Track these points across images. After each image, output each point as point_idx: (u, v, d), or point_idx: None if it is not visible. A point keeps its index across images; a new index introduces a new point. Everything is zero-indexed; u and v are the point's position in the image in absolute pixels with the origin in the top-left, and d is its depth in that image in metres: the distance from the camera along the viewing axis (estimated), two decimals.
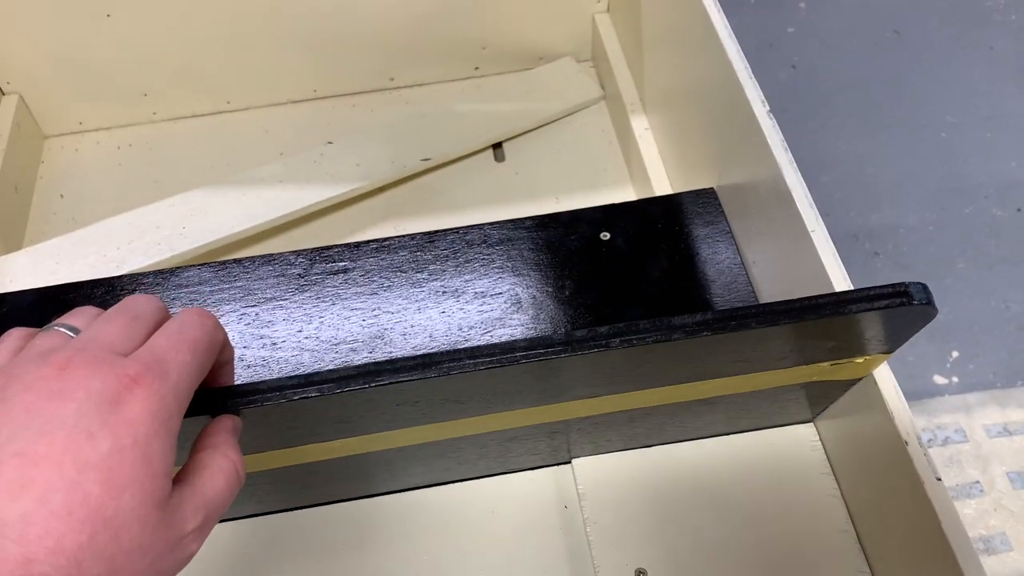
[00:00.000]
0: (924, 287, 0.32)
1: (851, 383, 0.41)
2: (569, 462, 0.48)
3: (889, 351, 0.37)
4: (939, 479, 0.37)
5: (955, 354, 1.16)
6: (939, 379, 1.15)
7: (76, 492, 0.24)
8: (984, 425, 1.11)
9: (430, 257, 0.55)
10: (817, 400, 0.44)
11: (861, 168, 1.36)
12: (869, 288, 0.32)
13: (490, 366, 0.31)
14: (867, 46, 1.51)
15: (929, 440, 1.10)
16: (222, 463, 0.30)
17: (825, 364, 0.38)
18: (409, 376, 0.31)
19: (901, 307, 0.32)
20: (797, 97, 1.46)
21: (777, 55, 1.51)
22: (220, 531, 0.50)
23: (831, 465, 0.47)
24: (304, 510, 0.50)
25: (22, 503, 0.24)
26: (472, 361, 0.31)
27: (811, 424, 0.48)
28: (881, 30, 1.54)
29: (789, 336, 0.33)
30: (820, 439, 0.47)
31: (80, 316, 0.31)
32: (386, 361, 0.31)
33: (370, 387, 0.31)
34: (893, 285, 0.32)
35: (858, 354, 0.37)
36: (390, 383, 0.31)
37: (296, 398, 0.31)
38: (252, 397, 0.31)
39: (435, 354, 0.31)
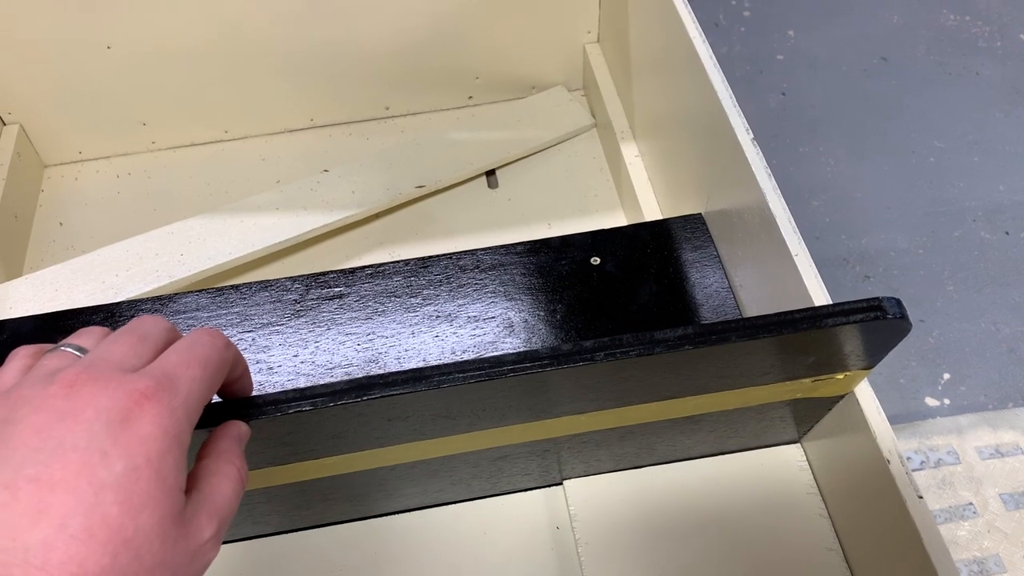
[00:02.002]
0: (897, 301, 0.33)
1: (834, 400, 0.42)
2: (561, 483, 0.49)
3: (868, 367, 0.38)
4: (920, 497, 0.38)
5: (946, 376, 1.17)
6: (931, 401, 1.16)
7: (95, 514, 0.24)
8: (976, 447, 1.12)
9: (424, 282, 0.56)
10: (802, 419, 0.44)
11: (851, 193, 1.37)
12: (844, 303, 0.33)
13: (479, 379, 0.32)
14: (855, 73, 1.53)
15: (922, 462, 1.11)
16: (228, 470, 0.30)
17: (807, 380, 0.38)
18: (400, 389, 0.32)
19: (875, 320, 0.33)
20: (787, 123, 1.48)
21: (767, 82, 1.54)
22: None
23: (818, 485, 0.47)
24: (298, 533, 0.50)
25: (42, 529, 0.24)
26: (462, 374, 0.32)
27: (798, 445, 0.49)
28: (869, 57, 1.57)
29: (769, 350, 0.34)
30: (807, 459, 0.48)
31: (88, 336, 0.31)
32: (378, 375, 0.32)
33: (363, 400, 0.32)
34: (867, 300, 0.33)
35: (838, 370, 0.38)
36: (382, 396, 0.32)
37: (291, 411, 0.32)
38: (248, 411, 0.32)
39: (425, 368, 0.32)
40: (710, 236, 0.57)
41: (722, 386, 0.38)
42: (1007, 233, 1.31)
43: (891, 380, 1.17)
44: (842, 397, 0.41)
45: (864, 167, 1.42)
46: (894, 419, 1.13)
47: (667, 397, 0.38)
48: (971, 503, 1.08)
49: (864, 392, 0.40)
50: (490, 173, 0.78)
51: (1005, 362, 1.19)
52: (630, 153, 0.72)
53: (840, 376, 0.38)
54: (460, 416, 0.35)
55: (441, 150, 0.78)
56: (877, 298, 0.33)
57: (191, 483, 0.29)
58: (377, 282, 0.56)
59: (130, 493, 0.25)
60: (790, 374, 0.38)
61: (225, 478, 0.30)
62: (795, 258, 0.45)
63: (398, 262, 0.57)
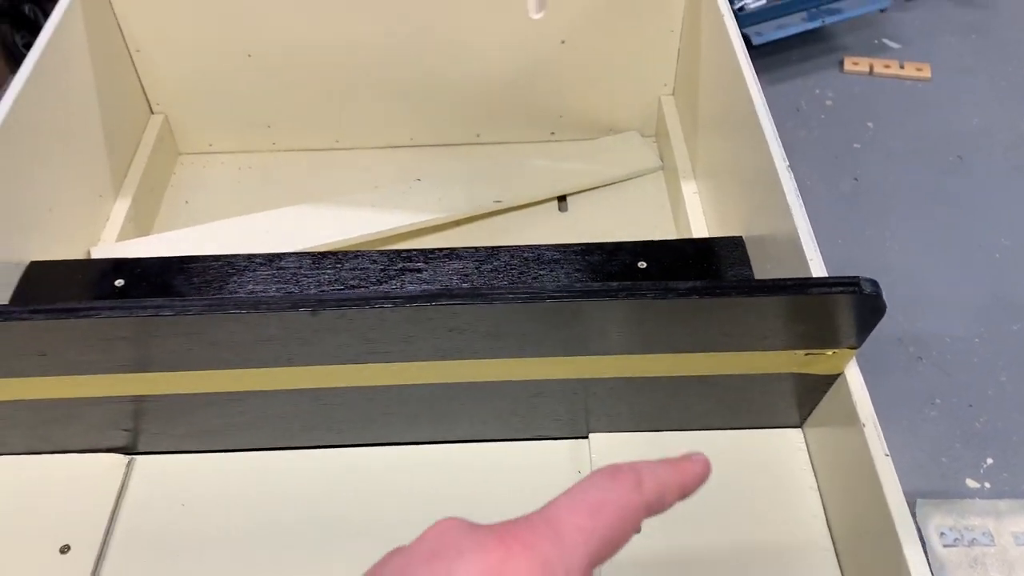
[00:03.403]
0: (873, 282, 0.40)
1: (828, 381, 0.48)
2: (587, 437, 0.56)
3: (854, 347, 0.44)
4: (886, 454, 0.43)
5: (990, 461, 1.19)
6: (971, 483, 1.17)
7: None
8: (1013, 532, 1.13)
9: (490, 267, 0.64)
10: (802, 400, 0.51)
11: (911, 277, 1.41)
12: (828, 277, 0.40)
13: (524, 300, 0.40)
14: (930, 167, 1.58)
15: (955, 539, 1.12)
16: None
17: (800, 353, 0.45)
18: (461, 301, 0.40)
19: (853, 295, 0.39)
20: (856, 207, 1.53)
21: (841, 167, 1.60)
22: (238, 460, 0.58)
23: (812, 466, 0.53)
24: (340, 449, 0.57)
25: None
26: (512, 295, 0.40)
27: (799, 429, 0.55)
28: (945, 154, 1.61)
29: (764, 310, 0.41)
30: (806, 443, 0.54)
31: None
32: (446, 289, 0.40)
33: (432, 304, 0.40)
34: (848, 276, 0.40)
35: (827, 345, 0.44)
36: (448, 304, 0.40)
37: (376, 307, 0.40)
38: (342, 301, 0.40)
39: (483, 288, 0.40)
40: (747, 256, 0.64)
41: (727, 345, 0.45)
42: None
43: (933, 458, 1.20)
44: (835, 378, 0.48)
45: (928, 255, 1.45)
46: (931, 494, 1.15)
47: (679, 350, 0.45)
48: None
49: (854, 377, 0.47)
50: (561, 199, 0.87)
51: None
52: (689, 190, 0.81)
53: (829, 353, 0.45)
54: (507, 338, 0.43)
55: (520, 173, 0.87)
56: (856, 276, 0.40)
57: None
58: (452, 262, 0.65)
59: None
60: (785, 342, 0.44)
61: None
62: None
63: (471, 248, 0.66)
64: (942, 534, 1.20)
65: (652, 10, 0.83)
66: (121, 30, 0.84)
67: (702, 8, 0.76)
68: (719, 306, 0.41)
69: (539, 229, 0.84)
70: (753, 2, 1.65)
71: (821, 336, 0.44)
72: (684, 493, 0.29)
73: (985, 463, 1.21)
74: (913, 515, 1.15)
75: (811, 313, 0.42)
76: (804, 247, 0.50)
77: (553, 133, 0.94)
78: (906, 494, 1.19)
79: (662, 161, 0.90)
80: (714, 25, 0.72)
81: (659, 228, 0.84)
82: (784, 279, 0.40)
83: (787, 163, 0.59)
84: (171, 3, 0.82)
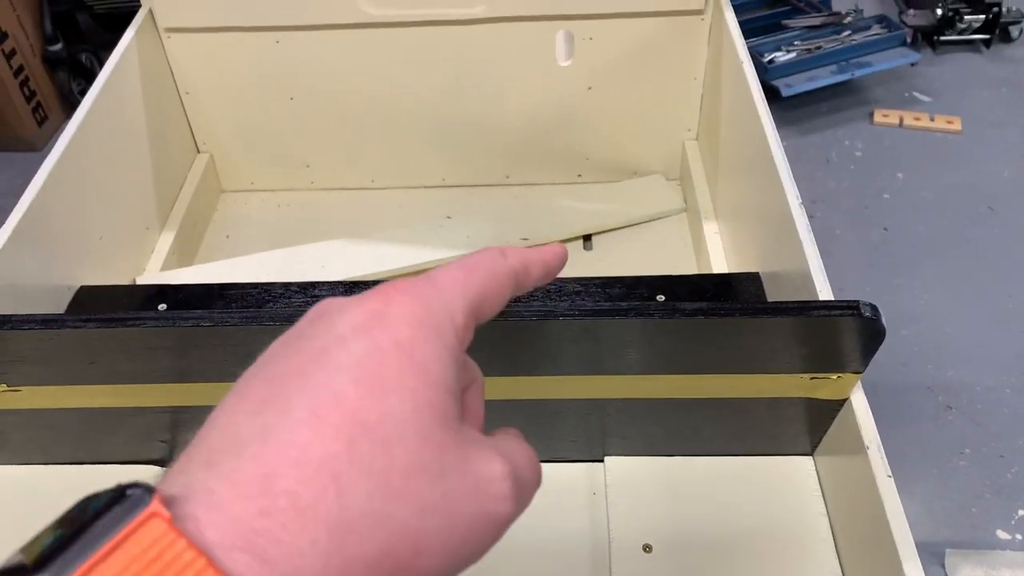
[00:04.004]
0: (873, 306, 0.42)
1: (835, 407, 0.49)
2: (602, 460, 0.57)
3: (857, 371, 0.46)
4: (890, 475, 0.45)
5: (1021, 512, 1.17)
6: (1002, 534, 1.16)
7: (324, 394, 0.21)
8: None
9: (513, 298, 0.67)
10: (811, 425, 0.52)
11: (941, 327, 1.41)
12: (828, 301, 0.42)
13: (538, 319, 0.42)
14: (960, 218, 1.59)
15: None
16: (528, 451, 0.27)
17: (806, 377, 0.47)
18: None
19: (853, 317, 0.41)
20: (886, 256, 1.54)
21: (871, 217, 1.61)
22: None
23: (823, 492, 0.54)
24: None
25: (262, 417, 0.21)
26: (527, 311, 0.42)
27: (810, 457, 0.56)
28: (976, 205, 1.62)
29: (768, 331, 0.43)
30: (816, 470, 0.55)
31: None
32: None
33: None
34: (848, 300, 0.42)
35: (832, 370, 0.46)
36: None
37: None
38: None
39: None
40: (763, 290, 0.66)
41: (735, 368, 0.46)
42: None
43: (963, 508, 1.18)
44: (842, 404, 0.49)
45: (958, 305, 1.45)
46: (960, 544, 1.14)
47: (689, 371, 0.47)
48: None
49: (860, 405, 0.48)
50: (587, 238, 0.90)
51: None
52: (710, 230, 0.83)
53: (835, 377, 0.47)
54: (522, 356, 0.46)
55: (547, 212, 0.90)
56: (856, 300, 0.42)
57: (486, 439, 0.25)
58: None
59: (371, 373, 0.22)
60: (791, 365, 0.46)
61: (525, 452, 0.26)
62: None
63: None
64: None
65: (676, 59, 0.86)
66: (173, 74, 0.89)
67: (723, 57, 0.79)
68: (725, 327, 0.43)
69: (566, 268, 0.86)
70: (783, 55, 1.69)
71: (825, 360, 0.45)
72: (547, 271, 0.32)
73: (1016, 514, 1.20)
74: (942, 565, 1.14)
75: (814, 336, 0.43)
76: (815, 281, 0.52)
77: (580, 175, 0.97)
78: (935, 544, 1.18)
79: (685, 203, 0.92)
80: (734, 73, 0.75)
81: (681, 266, 0.86)
82: (786, 302, 0.42)
83: (800, 200, 0.61)
84: (220, 50, 0.87)
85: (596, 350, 0.46)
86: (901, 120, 1.69)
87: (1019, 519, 1.17)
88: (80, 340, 0.44)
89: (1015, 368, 1.34)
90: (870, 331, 0.42)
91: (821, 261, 0.60)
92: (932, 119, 1.68)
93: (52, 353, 0.46)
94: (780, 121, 1.72)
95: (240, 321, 0.43)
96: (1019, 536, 1.15)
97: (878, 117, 1.71)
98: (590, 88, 0.89)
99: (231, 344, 0.45)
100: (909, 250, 1.53)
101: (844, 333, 0.43)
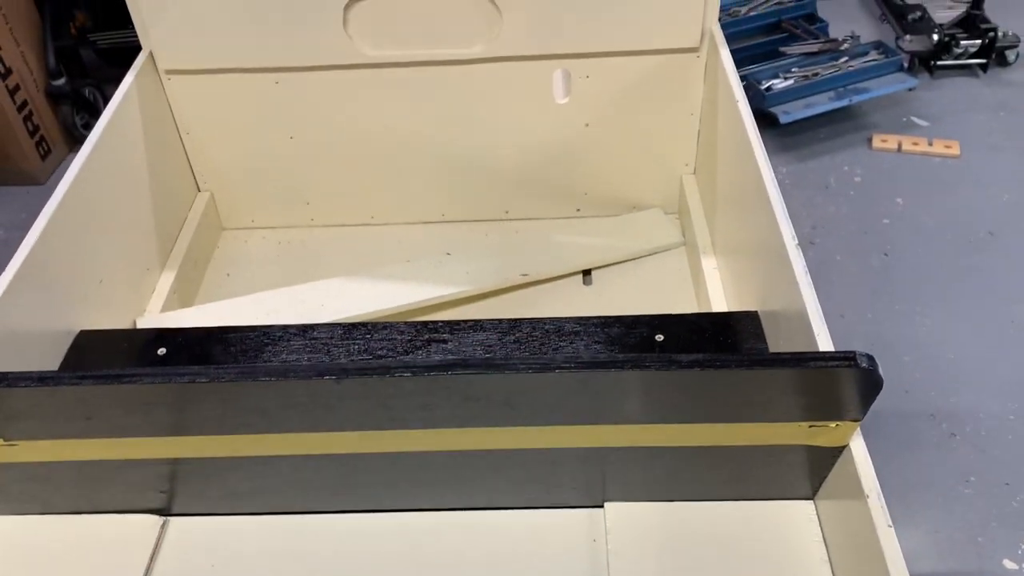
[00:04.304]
0: (869, 357, 0.42)
1: (834, 453, 0.49)
2: (602, 506, 0.57)
3: (856, 419, 0.46)
4: (890, 526, 0.44)
5: None
6: (1009, 564, 1.15)
7: None
8: None
9: (512, 338, 0.67)
10: (812, 471, 0.52)
11: (944, 352, 1.40)
12: (825, 352, 0.42)
13: (536, 371, 0.42)
14: (960, 243, 1.58)
15: None
16: None
17: (804, 425, 0.47)
18: (475, 371, 0.43)
19: (849, 368, 0.41)
20: (887, 282, 1.54)
21: (871, 242, 1.60)
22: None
23: (825, 541, 0.54)
24: (364, 515, 0.59)
25: None
26: (524, 365, 0.42)
27: (811, 501, 0.55)
28: (976, 230, 1.62)
29: (765, 383, 0.43)
30: (817, 514, 0.55)
31: None
32: (459, 360, 0.43)
33: (447, 375, 0.43)
34: (844, 351, 0.42)
35: (830, 418, 0.46)
36: (463, 373, 0.42)
37: (395, 376, 0.43)
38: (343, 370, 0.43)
39: (496, 359, 0.43)
40: (762, 329, 0.66)
41: (734, 417, 0.46)
42: None
43: (970, 538, 1.17)
44: (840, 450, 0.49)
45: (960, 330, 1.45)
46: (967, 575, 1.12)
47: (688, 420, 0.47)
48: None
49: (857, 446, 0.48)
50: (587, 272, 0.90)
51: None
52: (709, 265, 0.83)
53: (833, 425, 0.46)
54: (521, 407, 0.46)
55: (546, 248, 0.91)
56: (852, 351, 0.42)
57: None
58: (476, 333, 0.68)
59: None
60: (789, 414, 0.46)
61: None
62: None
63: (494, 320, 0.69)
64: None
65: (673, 95, 0.87)
66: (173, 114, 0.90)
67: (719, 94, 0.80)
68: (722, 378, 0.43)
69: (564, 302, 0.86)
70: (781, 82, 1.70)
71: (823, 409, 0.45)
72: None
73: (1020, 544, 1.19)
74: None
75: (811, 386, 0.43)
76: (812, 323, 0.52)
77: (579, 210, 0.97)
78: (938, 573, 1.16)
79: (683, 237, 0.92)
80: (730, 110, 0.75)
81: (680, 301, 0.86)
82: (782, 353, 0.42)
83: (796, 241, 0.61)
84: (220, 91, 0.88)
85: (594, 400, 0.46)
86: (900, 145, 1.70)
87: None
88: (76, 397, 0.44)
89: (1019, 394, 1.34)
90: (867, 381, 0.42)
91: (818, 303, 0.59)
92: (930, 144, 1.69)
93: (49, 409, 0.46)
94: (779, 147, 1.73)
95: (236, 377, 0.43)
96: None
97: (876, 142, 1.71)
98: (588, 125, 0.90)
99: (227, 399, 0.45)
100: (910, 275, 1.52)
101: (841, 384, 0.43)
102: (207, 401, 0.45)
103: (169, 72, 0.87)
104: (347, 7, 0.81)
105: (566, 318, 0.69)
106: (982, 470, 1.23)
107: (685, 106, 0.88)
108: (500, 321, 0.69)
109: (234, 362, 0.65)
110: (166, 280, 0.87)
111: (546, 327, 0.68)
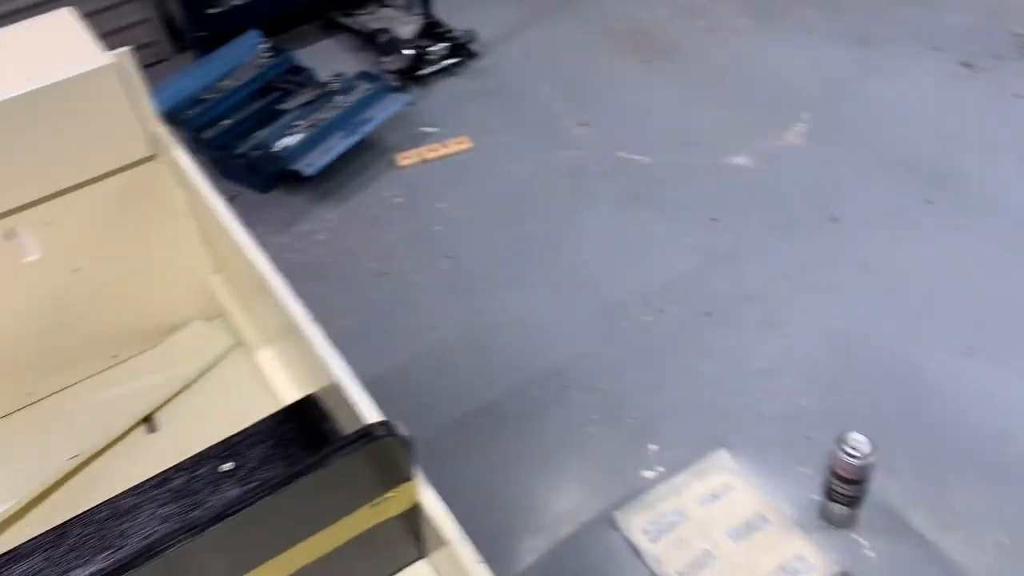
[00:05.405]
0: (385, 423, 0.41)
1: (413, 514, 0.49)
2: None
3: (406, 479, 0.45)
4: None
5: (653, 447, 1.30)
6: (647, 473, 1.27)
7: None
8: (694, 498, 1.24)
9: (64, 550, 0.57)
10: (406, 536, 0.51)
11: (542, 323, 1.50)
12: (343, 439, 0.40)
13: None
14: (502, 224, 1.71)
15: (658, 531, 1.21)
16: None
17: (366, 508, 0.45)
18: None
19: (371, 443, 0.40)
20: (460, 280, 1.61)
21: (433, 250, 1.67)
22: None
23: None
24: None
25: None
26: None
27: (427, 560, 0.55)
28: (495, 210, 1.76)
29: (305, 493, 0.40)
30: (436, 570, 0.55)
31: None
32: None
33: None
34: (358, 431, 0.41)
35: (386, 489, 0.45)
36: None
37: None
38: None
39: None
40: (326, 410, 0.64)
41: (309, 530, 0.43)
42: (661, 311, 1.49)
43: (610, 469, 1.28)
44: (416, 508, 0.49)
45: (539, 305, 1.55)
46: (622, 502, 1.23)
47: (274, 553, 0.43)
48: (708, 550, 1.19)
49: (427, 500, 0.48)
50: (147, 419, 0.81)
51: (698, 417, 1.33)
52: (265, 357, 0.79)
53: (391, 494, 0.46)
54: None
55: (91, 414, 0.80)
56: (368, 426, 0.41)
57: None
58: (18, 564, 0.57)
59: None
60: (348, 505, 0.44)
61: None
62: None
63: (36, 539, 0.58)
64: (646, 532, 1.28)
65: (157, 204, 0.81)
66: None
67: (194, 191, 0.76)
68: (265, 510, 0.39)
69: (134, 464, 0.77)
70: (292, 139, 1.71)
71: (371, 487, 0.44)
72: None
73: (648, 451, 1.33)
74: (617, 529, 1.22)
75: (348, 474, 0.42)
76: (348, 394, 0.51)
77: (115, 355, 0.88)
78: (601, 512, 1.25)
79: (233, 338, 0.88)
80: (203, 205, 0.72)
81: (256, 405, 0.80)
82: (299, 467, 0.40)
83: (311, 317, 0.60)
84: None
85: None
86: (422, 156, 1.80)
87: (653, 454, 1.29)
88: None
89: (597, 328, 1.48)
90: (397, 444, 0.42)
91: (349, 371, 0.58)
92: (445, 145, 1.81)
93: None
94: (319, 197, 1.74)
95: None
96: (661, 468, 1.28)
97: (401, 161, 1.80)
98: (78, 269, 0.81)
99: None
100: (478, 268, 1.62)
101: (372, 460, 0.42)
102: None
103: None
104: None
105: (120, 494, 0.61)
106: (600, 406, 1.35)
107: (173, 211, 0.83)
108: (43, 535, 0.59)
109: None
110: None
111: (98, 516, 0.59)
